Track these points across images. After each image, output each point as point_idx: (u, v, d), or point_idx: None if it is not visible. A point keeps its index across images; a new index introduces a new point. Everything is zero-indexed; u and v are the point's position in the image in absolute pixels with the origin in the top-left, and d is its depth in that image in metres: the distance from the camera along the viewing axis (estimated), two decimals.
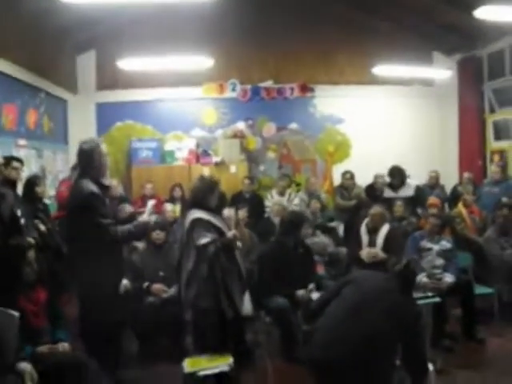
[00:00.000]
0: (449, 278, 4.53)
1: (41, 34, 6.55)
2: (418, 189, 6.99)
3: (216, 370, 3.67)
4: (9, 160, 4.40)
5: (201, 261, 3.78)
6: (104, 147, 3.62)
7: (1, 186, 3.37)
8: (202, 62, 7.04)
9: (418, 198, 6.76)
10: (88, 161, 3.52)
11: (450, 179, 7.85)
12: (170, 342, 4.32)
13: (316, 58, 8.50)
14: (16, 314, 2.37)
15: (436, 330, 4.22)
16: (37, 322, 2.98)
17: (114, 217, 3.57)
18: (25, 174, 5.17)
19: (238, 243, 4.05)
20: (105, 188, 3.59)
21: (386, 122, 8.57)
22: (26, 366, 2.31)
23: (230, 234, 3.88)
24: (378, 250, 4.89)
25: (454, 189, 7.27)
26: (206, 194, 3.96)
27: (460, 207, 6.11)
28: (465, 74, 8.13)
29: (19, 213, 3.33)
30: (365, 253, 4.90)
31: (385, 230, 5.04)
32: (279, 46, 8.28)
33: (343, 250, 5.72)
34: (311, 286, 4.45)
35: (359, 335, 2.67)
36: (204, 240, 3.75)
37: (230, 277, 3.87)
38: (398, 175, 6.92)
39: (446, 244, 4.83)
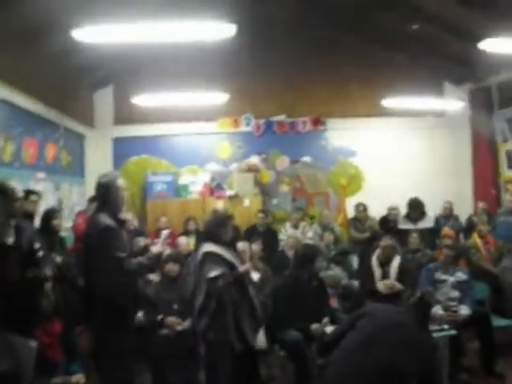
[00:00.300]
0: (465, 311, 4.48)
1: (61, 71, 6.77)
2: (438, 220, 7.00)
3: None
4: (27, 194, 4.51)
5: (210, 294, 3.80)
6: (121, 181, 3.69)
7: (20, 219, 3.45)
8: (217, 97, 7.19)
9: (438, 230, 6.77)
10: (105, 195, 3.59)
11: (464, 209, 7.81)
12: (184, 376, 4.29)
13: (328, 92, 8.60)
14: (34, 343, 2.40)
15: (453, 363, 4.14)
16: (52, 354, 3.02)
17: (130, 250, 3.62)
18: (42, 207, 5.30)
19: (254, 276, 4.06)
20: (121, 222, 3.66)
21: (398, 154, 8.59)
22: None
23: (241, 268, 3.90)
24: (394, 282, 4.85)
25: (469, 219, 7.23)
26: (218, 228, 4.00)
27: (475, 238, 6.06)
28: (476, 103, 8.17)
29: (37, 245, 3.39)
30: (381, 284, 4.85)
31: (396, 262, 5.01)
32: (292, 80, 8.43)
33: (356, 282, 5.69)
34: (325, 319, 4.42)
35: (373, 368, 2.65)
36: (213, 273, 3.77)
37: (241, 310, 3.87)
38: (417, 207, 6.98)
39: (461, 275, 4.79)
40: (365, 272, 5.22)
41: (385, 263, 5.01)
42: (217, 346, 3.82)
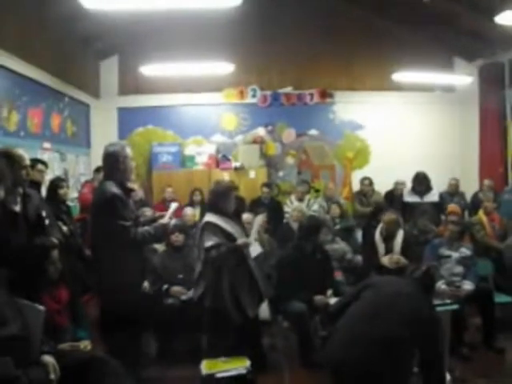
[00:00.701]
0: (468, 286, 4.49)
1: (65, 40, 6.70)
2: (441, 196, 7.02)
3: (233, 373, 3.71)
4: (35, 162, 4.51)
5: (207, 263, 3.86)
6: (129, 151, 3.68)
7: (27, 187, 3.46)
8: (223, 67, 7.11)
9: (443, 205, 6.78)
10: (113, 163, 3.58)
11: (470, 186, 7.78)
12: (189, 345, 4.36)
13: (336, 64, 8.52)
14: (42, 308, 2.44)
15: (454, 338, 4.18)
16: (60, 320, 3.05)
17: (136, 219, 3.64)
18: (48, 176, 5.31)
19: (256, 249, 4.06)
20: (128, 191, 3.66)
21: (405, 129, 8.53)
22: (49, 359, 2.38)
23: (239, 241, 3.90)
24: (399, 256, 4.83)
25: (475, 196, 7.20)
26: (220, 199, 4.02)
27: (480, 214, 6.04)
28: (486, 79, 8.05)
29: (44, 213, 3.41)
30: (386, 259, 4.84)
31: (400, 236, 4.97)
32: (299, 52, 8.33)
33: (360, 257, 5.69)
34: (329, 291, 4.46)
35: (377, 337, 2.68)
36: (208, 243, 3.82)
37: (240, 282, 3.90)
38: (423, 181, 6.94)
39: (465, 251, 4.79)
40: (368, 246, 5.22)
41: (388, 238, 4.98)
42: (212, 314, 3.88)
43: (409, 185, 7.15)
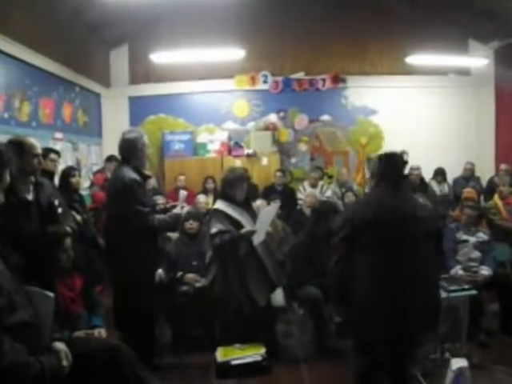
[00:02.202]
0: (485, 271, 4.43)
1: (75, 30, 6.67)
2: (456, 181, 7.36)
3: (249, 360, 3.70)
4: (47, 152, 4.50)
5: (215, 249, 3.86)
6: (146, 138, 3.69)
7: (39, 176, 3.46)
8: (234, 53, 7.06)
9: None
10: (132, 150, 3.58)
11: (486, 171, 7.68)
12: (204, 331, 4.36)
13: (348, 49, 8.41)
14: (51, 294, 2.42)
15: (472, 324, 4.12)
16: (74, 307, 3.05)
17: (153, 207, 3.63)
18: (61, 166, 5.31)
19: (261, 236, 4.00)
20: (145, 177, 3.65)
21: (419, 114, 8.41)
22: (61, 346, 2.37)
23: (243, 230, 3.83)
24: None
25: (491, 180, 7.10)
26: (231, 187, 3.98)
27: (496, 199, 5.95)
28: (502, 61, 7.90)
29: (56, 202, 3.41)
30: None
31: None
32: (311, 37, 8.22)
33: None
34: None
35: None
36: (213, 230, 3.80)
37: (248, 271, 3.85)
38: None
39: (482, 236, 4.71)
40: None
41: None
42: (223, 301, 3.86)
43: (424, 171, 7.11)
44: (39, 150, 3.36)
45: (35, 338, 2.23)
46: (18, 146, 3.22)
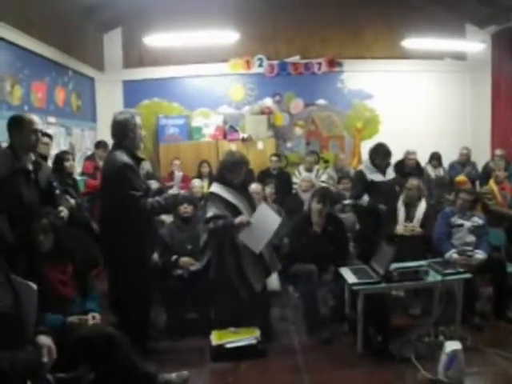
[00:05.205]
0: (480, 255, 4.43)
1: (68, 13, 6.57)
2: (452, 166, 7.33)
3: (243, 343, 3.71)
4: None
5: (209, 233, 3.86)
6: (139, 119, 3.63)
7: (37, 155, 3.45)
8: (228, 36, 6.97)
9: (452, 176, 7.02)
10: (123, 132, 3.53)
11: (481, 156, 7.66)
12: (198, 315, 4.37)
13: (344, 32, 8.34)
14: (34, 286, 2.34)
15: (466, 307, 4.14)
16: (65, 290, 3.01)
17: (147, 190, 3.60)
18: (54, 151, 5.26)
19: None
20: (139, 160, 3.61)
21: (416, 98, 8.39)
22: (45, 340, 2.28)
23: (237, 219, 3.78)
24: (415, 225, 4.80)
25: (486, 165, 7.12)
26: (231, 170, 3.95)
27: (491, 184, 5.96)
28: (499, 47, 7.84)
29: (55, 183, 3.39)
30: (401, 227, 4.81)
31: (423, 205, 4.94)
32: (306, 20, 8.15)
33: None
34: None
35: None
36: (208, 214, 3.80)
37: (244, 256, 3.84)
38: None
39: (477, 220, 4.71)
40: (389, 216, 5.08)
41: (410, 205, 4.93)
42: (217, 285, 3.87)
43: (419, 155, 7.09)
44: (38, 126, 3.32)
45: (16, 331, 2.16)
46: (18, 122, 3.19)
